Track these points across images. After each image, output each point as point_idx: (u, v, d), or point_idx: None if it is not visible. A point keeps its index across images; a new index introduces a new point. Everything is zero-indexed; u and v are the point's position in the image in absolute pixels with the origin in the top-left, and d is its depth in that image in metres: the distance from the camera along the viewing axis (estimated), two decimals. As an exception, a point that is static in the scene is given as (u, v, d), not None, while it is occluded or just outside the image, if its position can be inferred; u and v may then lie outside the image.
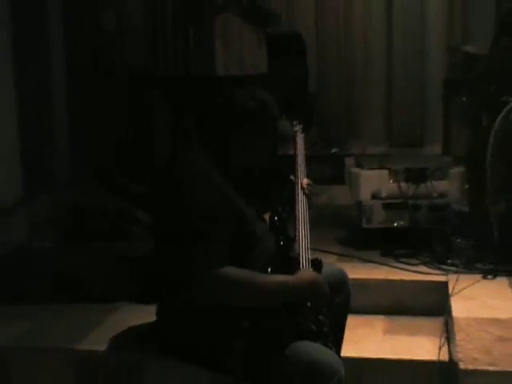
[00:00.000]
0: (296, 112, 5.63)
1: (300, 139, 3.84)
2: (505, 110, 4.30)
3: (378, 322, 4.37)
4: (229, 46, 5.44)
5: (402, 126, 7.03)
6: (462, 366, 3.40)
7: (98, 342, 3.50)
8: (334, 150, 6.94)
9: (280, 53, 6.00)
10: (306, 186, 3.49)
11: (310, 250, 3.37)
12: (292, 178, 3.55)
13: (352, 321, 4.15)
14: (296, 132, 3.87)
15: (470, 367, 3.39)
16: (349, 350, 3.73)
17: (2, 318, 4.36)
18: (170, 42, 6.60)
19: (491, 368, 3.36)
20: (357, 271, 4.55)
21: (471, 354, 3.45)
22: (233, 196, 2.90)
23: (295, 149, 3.77)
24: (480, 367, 3.38)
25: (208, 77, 5.34)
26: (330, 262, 4.52)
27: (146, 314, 3.05)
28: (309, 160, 6.79)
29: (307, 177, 3.63)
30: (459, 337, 3.62)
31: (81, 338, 4.00)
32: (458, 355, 3.47)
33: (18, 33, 5.45)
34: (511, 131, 4.37)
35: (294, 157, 3.74)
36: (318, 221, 5.59)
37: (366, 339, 4.13)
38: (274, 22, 5.71)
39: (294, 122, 3.93)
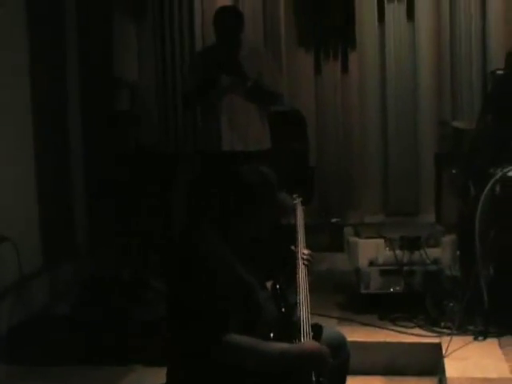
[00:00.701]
0: (296, 185, 5.76)
1: (300, 211, 3.90)
2: (491, 181, 4.37)
3: (377, 382, 4.41)
4: (234, 123, 5.54)
5: (398, 197, 7.09)
6: (455, 423, 3.42)
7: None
8: (333, 220, 6.98)
9: (282, 129, 6.11)
10: (305, 256, 3.54)
11: (311, 314, 3.44)
12: (293, 248, 3.61)
13: (351, 381, 4.15)
14: (296, 204, 3.93)
15: None
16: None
17: (25, 380, 4.40)
18: (180, 122, 6.80)
19: None
20: (356, 334, 4.58)
21: (464, 412, 3.48)
22: (238, 267, 2.97)
23: (295, 220, 3.83)
24: None
25: (215, 153, 5.44)
26: (331, 326, 4.57)
27: (158, 377, 3.08)
28: (309, 229, 6.87)
29: (306, 246, 3.68)
30: (452, 396, 3.67)
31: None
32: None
33: (39, 118, 5.58)
34: (497, 201, 4.45)
35: (294, 227, 3.80)
36: (318, 287, 5.65)
37: (366, 398, 4.18)
38: (277, 101, 5.82)
39: (294, 195, 3.99)
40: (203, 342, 2.81)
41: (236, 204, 3.05)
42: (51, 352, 4.56)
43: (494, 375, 3.88)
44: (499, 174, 4.34)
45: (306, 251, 3.56)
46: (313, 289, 5.51)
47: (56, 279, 5.54)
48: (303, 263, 3.47)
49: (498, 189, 4.46)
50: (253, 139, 5.56)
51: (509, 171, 4.32)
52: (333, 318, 4.92)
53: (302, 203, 6.12)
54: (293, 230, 3.80)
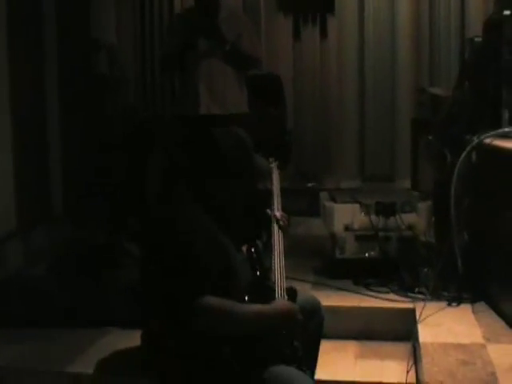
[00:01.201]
0: (274, 149, 5.69)
1: (276, 175, 3.85)
2: (468, 147, 4.32)
3: (350, 346, 4.36)
4: (212, 87, 5.45)
5: (374, 162, 7.09)
6: (428, 388, 3.39)
7: (86, 364, 3.47)
8: (310, 184, 6.96)
9: (259, 93, 6.02)
10: (281, 218, 3.50)
11: (286, 278, 3.39)
12: (268, 211, 3.56)
13: (325, 345, 4.15)
14: (272, 168, 3.88)
15: None
16: (322, 373, 3.74)
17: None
18: (158, 85, 6.70)
19: None
20: (330, 299, 4.53)
21: (436, 377, 3.41)
22: (214, 231, 2.93)
23: (271, 184, 3.78)
24: None
25: (192, 117, 5.36)
26: (305, 290, 4.53)
27: (133, 339, 3.03)
28: (286, 193, 6.83)
29: (283, 210, 3.64)
30: (425, 360, 3.61)
31: (71, 361, 3.95)
32: (424, 378, 3.45)
33: (15, 77, 5.46)
34: (473, 169, 4.40)
35: (270, 191, 3.75)
36: (294, 251, 5.65)
37: (339, 363, 4.12)
38: (255, 65, 5.74)
39: (270, 159, 3.93)
40: (177, 305, 2.78)
41: (211, 167, 2.99)
42: (25, 314, 4.49)
43: (466, 341, 3.83)
44: (475, 141, 4.28)
45: (280, 213, 3.52)
46: (288, 253, 5.47)
47: (30, 241, 5.46)
48: (278, 226, 3.44)
49: (474, 156, 4.40)
50: (230, 103, 5.47)
51: (485, 138, 4.26)
52: (307, 282, 4.88)
53: (279, 167, 6.07)
54: (269, 193, 3.75)
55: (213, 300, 2.76)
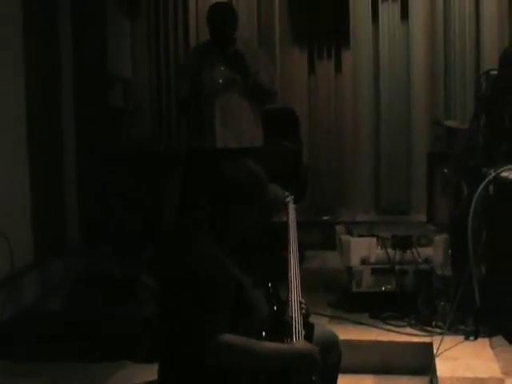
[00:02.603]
0: (289, 183, 5.72)
1: (292, 208, 3.86)
2: (485, 181, 4.33)
3: (368, 381, 4.35)
4: (228, 121, 5.49)
5: (390, 196, 7.10)
6: (446, 423, 3.38)
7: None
8: (325, 218, 6.96)
9: (275, 127, 6.07)
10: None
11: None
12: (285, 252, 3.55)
13: (343, 380, 4.13)
14: (288, 202, 3.89)
15: None
16: (341, 408, 3.76)
17: (15, 375, 4.34)
18: (174, 119, 6.75)
19: None
20: (347, 333, 4.52)
21: (455, 412, 3.44)
22: (230, 266, 2.92)
23: (287, 218, 3.78)
24: None
25: (208, 150, 5.39)
26: (322, 324, 4.52)
27: (149, 373, 3.04)
28: (301, 226, 6.84)
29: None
30: (444, 395, 3.63)
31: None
32: (443, 413, 3.47)
33: (32, 113, 5.53)
34: (490, 202, 4.42)
35: (286, 225, 3.76)
36: (310, 285, 5.64)
37: (356, 398, 4.14)
38: (272, 99, 5.79)
39: (286, 193, 3.94)
40: (195, 342, 2.77)
41: (225, 202, 2.99)
42: (41, 348, 4.49)
43: (484, 375, 3.83)
44: (492, 174, 4.30)
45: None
46: (304, 287, 5.48)
47: (47, 275, 5.49)
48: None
49: (491, 189, 4.42)
50: (246, 137, 5.52)
51: (502, 171, 4.27)
52: (324, 316, 4.86)
53: (295, 201, 6.09)
54: (285, 227, 3.75)
55: (230, 337, 2.76)
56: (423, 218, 6.42)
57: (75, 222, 6.14)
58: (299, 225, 6.80)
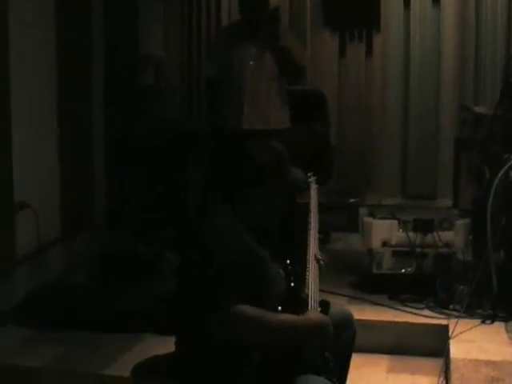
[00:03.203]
0: (315, 164, 5.79)
1: (314, 189, 3.92)
2: (505, 166, 4.39)
3: (383, 361, 4.45)
4: (256, 102, 5.56)
5: (416, 180, 7.10)
6: (455, 402, 3.47)
7: (123, 368, 3.60)
8: (351, 200, 7.02)
9: (303, 108, 6.13)
10: (321, 258, 3.51)
11: (323, 292, 3.45)
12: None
13: (358, 359, 4.21)
14: (310, 183, 3.96)
15: None
16: (355, 386, 3.86)
17: (40, 343, 4.50)
18: (203, 98, 6.84)
19: None
20: (365, 313, 4.64)
21: (465, 393, 3.52)
22: (250, 242, 3.03)
23: (309, 198, 3.86)
24: None
25: (235, 131, 5.48)
26: (341, 304, 4.61)
27: (170, 345, 3.14)
28: (328, 208, 6.94)
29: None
30: (455, 376, 3.71)
31: (108, 363, 4.13)
32: (453, 393, 3.56)
33: (63, 90, 5.66)
34: (510, 187, 4.47)
35: (308, 205, 3.83)
36: (332, 266, 5.72)
37: (371, 377, 4.23)
38: (301, 75, 5.85)
39: (309, 174, 4.01)
40: (211, 313, 2.86)
41: (248, 180, 3.10)
42: (66, 318, 4.66)
43: (497, 358, 3.91)
44: (513, 159, 4.37)
45: (320, 254, 3.53)
46: (327, 268, 5.60)
47: (73, 250, 5.65)
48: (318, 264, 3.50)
49: (511, 174, 4.47)
50: (273, 118, 5.58)
51: (523, 157, 4.34)
52: (344, 296, 4.97)
53: (321, 183, 6.16)
54: (306, 207, 3.82)
55: (246, 308, 2.84)
56: (449, 203, 6.45)
57: (103, 201, 6.28)
58: (326, 206, 6.90)
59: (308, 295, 3.13)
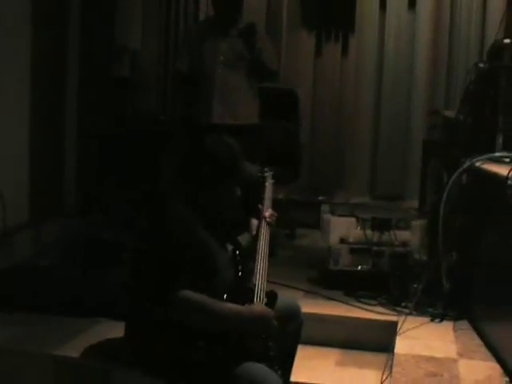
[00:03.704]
0: (284, 161, 5.90)
1: (269, 184, 4.02)
2: (459, 170, 4.51)
3: (333, 354, 4.55)
4: (225, 98, 5.67)
5: (385, 181, 7.26)
6: (391, 395, 3.58)
7: (75, 350, 3.68)
8: (320, 198, 7.14)
9: (274, 106, 6.24)
10: (269, 217, 3.68)
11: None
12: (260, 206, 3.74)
13: (309, 351, 4.39)
14: (266, 177, 4.05)
15: None
16: (301, 376, 3.94)
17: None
18: (176, 93, 6.93)
19: None
20: (319, 307, 4.76)
21: (402, 386, 3.64)
22: (200, 231, 3.13)
23: (263, 193, 3.95)
24: None
25: (204, 125, 5.57)
26: (296, 298, 4.73)
27: (122, 330, 3.25)
28: (297, 205, 7.03)
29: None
30: (395, 370, 3.81)
31: (61, 345, 4.22)
32: (390, 386, 3.68)
33: (37, 75, 5.75)
34: (463, 190, 4.60)
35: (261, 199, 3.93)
36: (295, 261, 5.89)
37: (319, 368, 4.31)
38: (273, 78, 5.96)
39: (266, 169, 4.10)
40: (157, 297, 2.96)
41: (199, 172, 3.21)
42: (26, 300, 4.76)
43: (440, 355, 4.02)
44: (467, 163, 4.47)
45: (269, 211, 3.69)
46: (289, 263, 5.74)
47: (39, 235, 5.74)
48: (266, 222, 3.63)
49: (464, 178, 4.60)
50: (242, 113, 5.68)
51: (476, 161, 4.44)
52: (300, 290, 5.07)
53: (289, 180, 6.27)
54: (257, 200, 3.90)
55: (189, 294, 2.94)
56: (416, 204, 6.58)
57: (72, 189, 6.36)
58: (295, 203, 7.00)
59: (255, 285, 3.25)
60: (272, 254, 5.21)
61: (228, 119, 5.62)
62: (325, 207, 5.45)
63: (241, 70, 5.67)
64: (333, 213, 5.26)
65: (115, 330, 3.42)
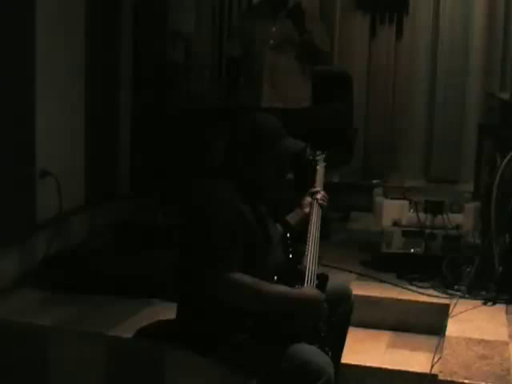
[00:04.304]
0: (337, 144, 5.89)
1: (321, 167, 4.03)
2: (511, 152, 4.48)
3: (384, 336, 4.56)
4: (276, 81, 5.67)
5: (440, 164, 7.23)
6: (440, 377, 3.55)
7: (128, 330, 3.75)
8: (374, 181, 7.13)
9: (327, 88, 6.25)
10: (320, 198, 3.69)
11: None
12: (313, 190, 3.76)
13: (361, 334, 4.42)
14: (317, 161, 4.06)
15: (448, 378, 3.52)
16: (352, 358, 4.00)
17: (52, 303, 4.74)
18: (227, 76, 6.97)
19: (466, 381, 3.49)
20: (371, 290, 4.78)
21: (452, 368, 3.60)
22: (249, 213, 3.15)
23: (315, 176, 3.96)
24: (456, 379, 3.51)
25: (254, 108, 5.59)
26: (349, 281, 4.77)
27: (173, 312, 3.30)
28: (351, 189, 7.03)
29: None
30: (446, 352, 3.80)
31: (114, 325, 4.30)
32: (440, 367, 3.66)
33: (91, 61, 5.84)
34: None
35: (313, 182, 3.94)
36: (348, 244, 5.89)
37: (370, 351, 4.32)
38: (323, 61, 5.95)
39: (318, 152, 4.11)
40: (208, 279, 3.01)
41: (242, 145, 3.24)
42: (80, 282, 4.88)
43: (491, 338, 4.01)
44: (520, 145, 4.46)
45: (322, 193, 3.71)
46: (342, 246, 5.75)
47: (95, 219, 5.85)
48: (318, 203, 3.64)
49: (518, 160, 4.57)
50: (292, 97, 5.68)
51: (529, 143, 4.42)
52: (353, 273, 5.09)
53: (342, 162, 6.26)
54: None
55: (240, 276, 2.98)
56: (471, 187, 6.54)
57: (127, 172, 6.45)
58: (349, 187, 7.00)
59: (306, 267, 3.27)
60: (325, 237, 5.29)
61: (278, 103, 5.63)
62: (377, 190, 5.44)
63: (291, 53, 5.67)
64: (385, 196, 5.25)
65: (167, 311, 3.48)
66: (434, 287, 4.82)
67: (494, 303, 4.55)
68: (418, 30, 7.24)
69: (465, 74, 7.11)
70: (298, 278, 3.21)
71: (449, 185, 6.98)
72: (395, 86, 7.34)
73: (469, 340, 3.97)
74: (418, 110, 7.29)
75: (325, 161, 4.08)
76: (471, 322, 4.26)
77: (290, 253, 3.41)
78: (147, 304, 4.67)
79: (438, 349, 4.05)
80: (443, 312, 4.44)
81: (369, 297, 4.64)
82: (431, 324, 4.49)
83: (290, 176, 5.10)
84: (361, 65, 7.39)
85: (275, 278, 3.16)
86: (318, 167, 4.01)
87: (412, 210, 5.11)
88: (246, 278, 3.01)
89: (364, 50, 7.40)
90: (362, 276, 5.08)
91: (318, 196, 3.70)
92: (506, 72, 6.92)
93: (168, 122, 6.19)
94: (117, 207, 6.02)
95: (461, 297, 4.54)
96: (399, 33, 7.30)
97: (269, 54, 5.64)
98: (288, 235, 3.49)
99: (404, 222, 5.11)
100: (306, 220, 3.61)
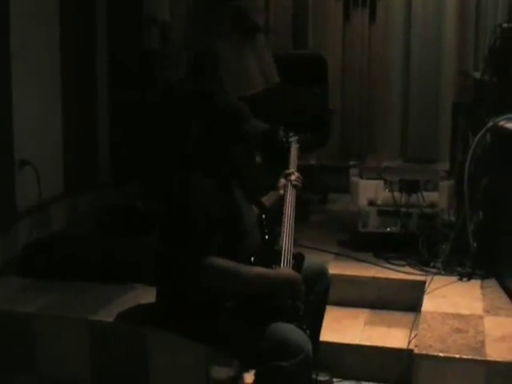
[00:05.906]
0: (313, 126, 5.94)
1: (294, 149, 4.08)
2: (483, 129, 4.54)
3: (362, 314, 4.63)
4: (262, 62, 5.74)
5: (416, 144, 7.30)
6: (416, 350, 3.63)
7: (110, 315, 3.80)
8: (352, 163, 7.18)
9: (302, 71, 6.30)
10: (294, 179, 3.74)
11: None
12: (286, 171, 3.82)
13: (339, 312, 4.50)
14: (291, 142, 4.11)
15: (423, 352, 3.61)
16: (330, 336, 4.07)
17: (35, 290, 4.77)
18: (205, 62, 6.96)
19: (441, 354, 3.58)
20: (349, 269, 4.86)
21: (427, 342, 3.68)
22: (223, 197, 3.22)
23: (288, 157, 4.02)
24: (432, 353, 3.60)
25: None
26: (327, 260, 4.83)
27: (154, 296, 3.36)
28: (329, 170, 7.09)
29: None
30: (421, 327, 3.88)
31: (97, 310, 4.36)
32: (416, 342, 3.74)
33: (66, 46, 5.85)
34: (488, 149, 4.63)
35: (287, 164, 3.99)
36: (326, 225, 5.96)
37: (348, 328, 4.40)
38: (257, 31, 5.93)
39: (291, 134, 4.16)
40: (186, 264, 3.07)
41: (210, 130, 3.32)
42: (61, 268, 4.91)
43: (466, 312, 4.09)
44: (491, 123, 4.51)
45: (295, 174, 3.76)
46: (320, 227, 5.81)
47: (75, 206, 5.88)
48: (292, 184, 3.70)
49: (488, 138, 4.63)
50: (271, 76, 5.74)
51: (500, 121, 4.47)
52: (330, 252, 5.16)
53: (318, 145, 6.31)
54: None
55: (217, 260, 3.04)
56: (448, 166, 6.61)
57: (106, 159, 6.45)
58: (326, 168, 7.04)
59: (282, 248, 3.33)
60: (304, 218, 5.34)
61: (262, 86, 5.65)
62: (354, 171, 5.50)
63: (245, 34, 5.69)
64: (361, 176, 5.31)
65: (149, 295, 3.52)
66: (410, 265, 4.90)
67: (470, 279, 4.63)
68: (391, 12, 7.27)
69: (439, 54, 7.15)
70: (274, 258, 3.28)
71: (427, 164, 7.03)
72: (370, 69, 7.38)
73: (444, 315, 4.05)
74: (394, 92, 7.34)
75: (298, 143, 4.14)
76: (447, 297, 4.34)
77: (266, 234, 3.47)
78: (130, 289, 4.72)
79: (415, 325, 4.13)
80: (420, 289, 4.50)
81: (347, 276, 4.72)
82: (408, 301, 4.56)
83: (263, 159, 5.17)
84: (335, 48, 7.42)
85: (252, 259, 3.22)
86: (291, 149, 4.07)
87: (387, 190, 5.17)
88: (224, 262, 3.07)
89: (338, 33, 7.43)
90: (339, 255, 5.14)
91: (292, 177, 3.76)
92: (479, 51, 6.96)
93: (146, 109, 6.20)
94: (98, 195, 6.04)
95: (437, 273, 4.63)
96: (373, 15, 7.32)
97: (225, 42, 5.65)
98: (264, 217, 3.54)
99: (380, 202, 5.17)
100: (281, 201, 3.67)
